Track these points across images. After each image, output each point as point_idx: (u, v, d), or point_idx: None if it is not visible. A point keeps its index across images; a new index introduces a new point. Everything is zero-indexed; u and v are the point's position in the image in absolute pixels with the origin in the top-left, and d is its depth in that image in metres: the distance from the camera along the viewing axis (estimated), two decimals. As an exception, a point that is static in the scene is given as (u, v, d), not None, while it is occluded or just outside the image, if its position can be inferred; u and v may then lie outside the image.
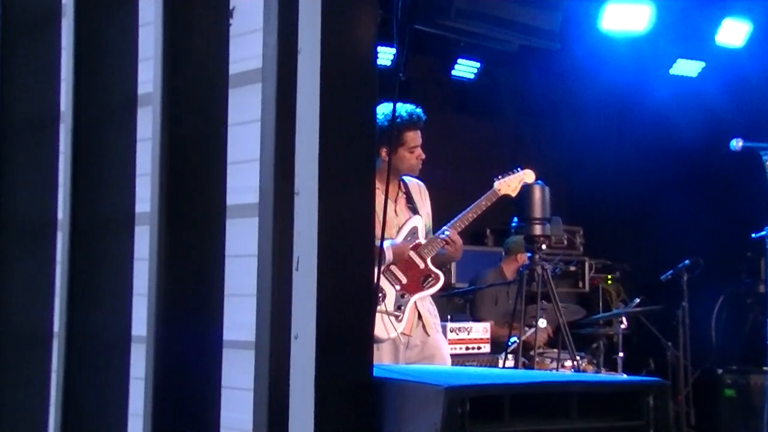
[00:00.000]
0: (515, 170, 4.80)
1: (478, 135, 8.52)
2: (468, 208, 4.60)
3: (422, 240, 4.54)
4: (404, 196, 4.57)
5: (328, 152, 2.36)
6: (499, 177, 4.76)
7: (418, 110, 4.48)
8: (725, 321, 7.48)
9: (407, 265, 4.46)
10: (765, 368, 6.03)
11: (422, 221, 4.57)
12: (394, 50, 4.94)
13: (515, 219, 5.10)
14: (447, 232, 4.52)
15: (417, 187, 4.66)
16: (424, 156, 4.50)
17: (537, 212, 5.00)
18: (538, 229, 5.00)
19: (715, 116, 7.77)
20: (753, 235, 4.81)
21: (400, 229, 4.48)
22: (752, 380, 6.86)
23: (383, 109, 4.26)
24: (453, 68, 7.84)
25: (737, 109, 7.71)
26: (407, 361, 4.38)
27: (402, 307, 4.40)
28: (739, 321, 7.56)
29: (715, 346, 7.37)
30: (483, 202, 4.63)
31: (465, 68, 7.88)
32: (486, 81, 8.12)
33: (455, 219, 4.57)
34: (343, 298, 2.40)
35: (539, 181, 5.07)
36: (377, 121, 4.22)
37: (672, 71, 8.00)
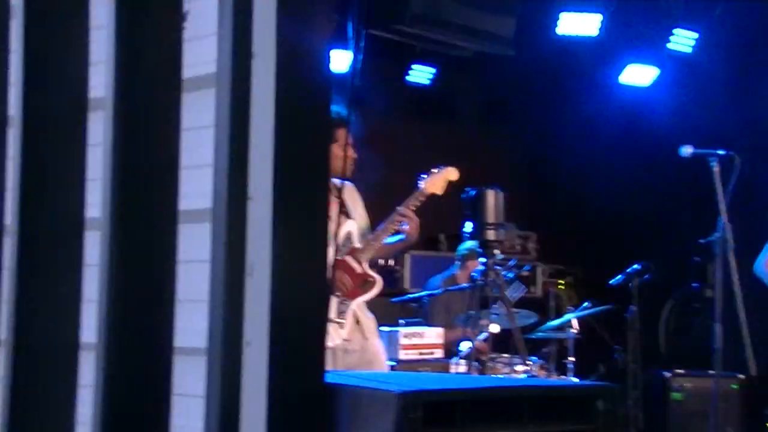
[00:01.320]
0: (439, 168, 4.82)
1: (434, 140, 8.55)
2: (397, 209, 4.59)
3: (357, 244, 4.53)
4: (336, 200, 4.54)
5: (283, 157, 2.35)
6: (424, 176, 4.77)
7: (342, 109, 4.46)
8: (674, 325, 7.58)
9: (345, 271, 4.45)
10: (711, 372, 6.12)
11: (356, 225, 4.56)
12: (349, 55, 4.93)
13: (469, 224, 5.11)
14: (401, 209, 4.52)
15: (349, 190, 4.64)
16: (355, 155, 4.49)
17: (491, 217, 5.02)
18: (491, 234, 5.02)
19: (665, 123, 7.87)
20: (701, 241, 4.87)
21: (335, 235, 4.46)
22: (699, 383, 6.96)
23: None
24: (408, 74, 7.86)
25: (687, 116, 7.82)
26: (347, 367, 4.36)
27: (343, 314, 4.39)
28: (687, 325, 7.67)
29: (663, 350, 7.47)
30: (411, 203, 4.63)
31: (420, 74, 7.90)
32: (442, 86, 8.15)
33: (385, 223, 4.56)
34: (296, 304, 2.39)
35: (494, 186, 5.10)
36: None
37: (623, 78, 8.10)
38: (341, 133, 4.38)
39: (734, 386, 6.88)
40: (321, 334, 2.54)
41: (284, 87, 2.38)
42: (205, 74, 2.43)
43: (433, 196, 4.75)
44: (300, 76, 2.46)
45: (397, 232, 4.64)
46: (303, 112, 2.48)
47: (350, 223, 4.55)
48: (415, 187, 4.72)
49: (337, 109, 4.40)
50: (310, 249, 2.49)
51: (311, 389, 2.41)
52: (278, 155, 2.34)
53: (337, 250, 4.45)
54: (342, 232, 4.51)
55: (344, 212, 4.55)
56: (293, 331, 2.35)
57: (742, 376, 6.84)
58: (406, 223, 4.55)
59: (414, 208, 4.64)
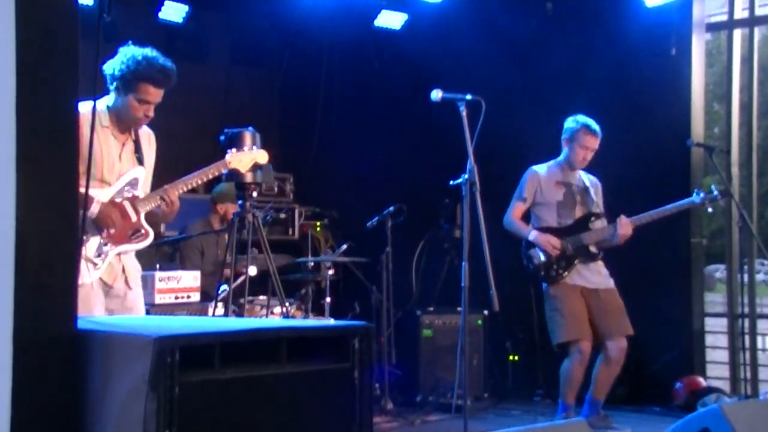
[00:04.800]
0: (251, 149, 4.71)
1: (187, 80, 8.32)
2: (194, 173, 4.43)
3: (140, 193, 4.36)
4: (133, 143, 4.36)
5: (26, 86, 2.22)
6: (233, 151, 4.65)
7: (170, 68, 4.29)
8: (425, 265, 7.88)
9: (119, 215, 4.27)
10: (459, 309, 6.43)
11: (144, 173, 4.38)
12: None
13: (226, 166, 5.04)
14: (167, 193, 4.36)
15: (147, 136, 4.47)
16: (152, 115, 4.31)
17: (247, 159, 4.97)
18: (248, 177, 4.98)
19: (417, 68, 8.09)
20: (451, 183, 5.05)
21: (120, 176, 4.29)
22: (447, 320, 7.31)
23: (133, 52, 4.12)
24: (160, 10, 7.60)
25: (438, 60, 8.07)
26: (108, 311, 4.24)
27: (102, 256, 4.22)
28: (437, 265, 8.00)
29: (415, 289, 7.76)
30: (211, 171, 4.49)
31: (172, 11, 7.66)
32: (195, 25, 7.95)
33: (179, 181, 4.39)
34: (44, 248, 2.27)
35: (250, 128, 5.05)
36: (121, 61, 4.05)
37: (376, 23, 8.22)
38: (144, 87, 4.19)
39: (479, 322, 7.28)
40: (70, 278, 2.44)
41: (27, 19, 2.24)
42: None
43: (235, 171, 4.65)
44: (45, 9, 2.33)
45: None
46: (48, 45, 2.35)
47: (139, 169, 4.34)
48: (221, 156, 4.58)
49: (161, 65, 4.21)
50: (59, 189, 2.38)
51: (60, 335, 2.32)
52: (21, 80, 2.21)
53: (117, 193, 4.28)
54: (127, 177, 4.31)
55: (138, 157, 4.36)
56: (40, 274, 2.24)
57: (486, 312, 7.25)
58: (163, 203, 4.37)
59: (211, 176, 4.50)
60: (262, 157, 4.73)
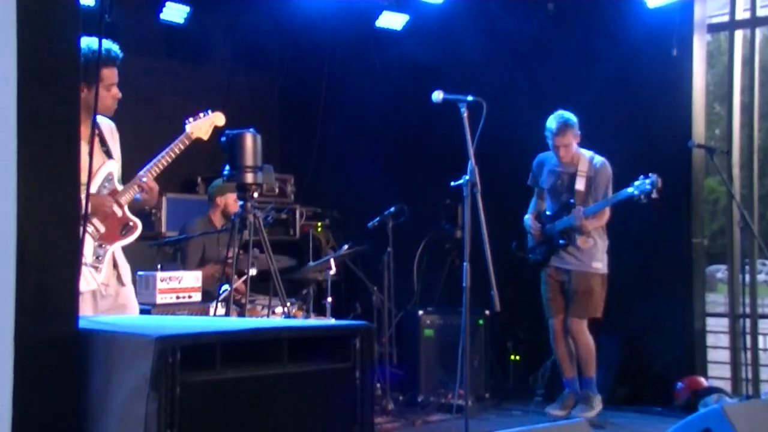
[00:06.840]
0: (205, 113, 4.73)
1: (189, 81, 8.35)
2: (161, 153, 4.45)
3: (118, 186, 4.35)
4: (98, 137, 4.33)
5: (27, 86, 2.22)
6: (190, 120, 4.66)
7: (115, 47, 4.24)
8: (426, 265, 7.88)
9: (105, 214, 4.26)
10: (460, 309, 6.42)
11: (117, 165, 4.37)
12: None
13: (227, 167, 5.05)
14: (144, 179, 4.36)
15: (109, 128, 4.42)
16: (120, 95, 4.30)
17: (249, 160, 4.98)
18: (249, 177, 4.99)
19: (418, 68, 8.09)
20: (452, 184, 5.05)
21: (94, 174, 4.26)
22: (449, 320, 7.30)
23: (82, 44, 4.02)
24: (161, 11, 7.61)
25: (439, 61, 8.07)
26: (101, 311, 4.22)
27: (101, 258, 4.21)
28: (438, 265, 8.00)
29: (416, 289, 7.76)
30: (176, 146, 4.49)
31: (174, 12, 7.66)
32: (196, 26, 7.96)
33: (149, 164, 4.40)
34: (45, 248, 2.28)
35: (251, 129, 5.05)
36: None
37: (378, 24, 8.22)
38: (107, 72, 4.18)
39: (480, 322, 7.27)
40: (72, 278, 2.44)
41: (28, 18, 2.24)
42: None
43: (198, 140, 4.64)
44: (46, 8, 2.33)
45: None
46: (49, 44, 2.35)
47: (111, 163, 4.33)
48: (182, 130, 4.58)
49: (106, 47, 4.19)
50: (59, 192, 2.38)
51: (62, 335, 2.32)
52: (23, 84, 2.21)
53: (96, 191, 4.26)
54: (102, 173, 4.30)
55: (105, 151, 4.34)
56: (42, 275, 2.25)
57: (487, 312, 7.25)
58: (142, 192, 4.36)
59: (179, 151, 4.50)
60: (219, 118, 4.77)
